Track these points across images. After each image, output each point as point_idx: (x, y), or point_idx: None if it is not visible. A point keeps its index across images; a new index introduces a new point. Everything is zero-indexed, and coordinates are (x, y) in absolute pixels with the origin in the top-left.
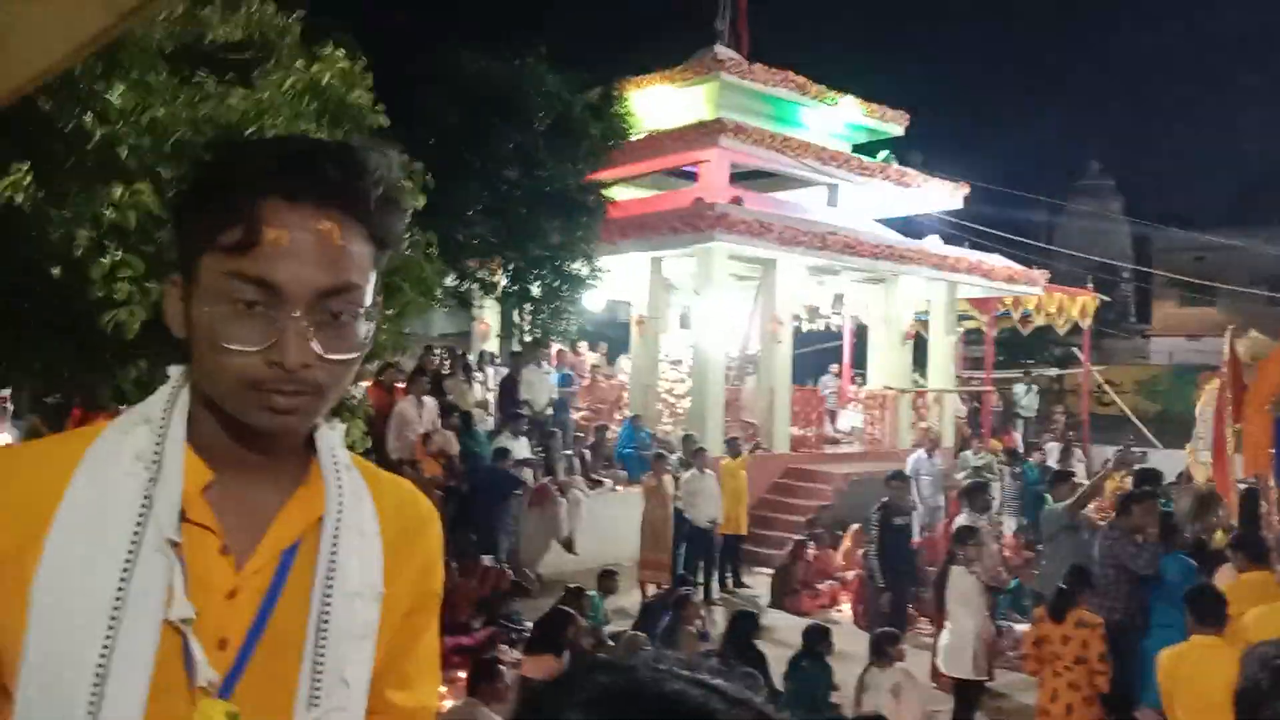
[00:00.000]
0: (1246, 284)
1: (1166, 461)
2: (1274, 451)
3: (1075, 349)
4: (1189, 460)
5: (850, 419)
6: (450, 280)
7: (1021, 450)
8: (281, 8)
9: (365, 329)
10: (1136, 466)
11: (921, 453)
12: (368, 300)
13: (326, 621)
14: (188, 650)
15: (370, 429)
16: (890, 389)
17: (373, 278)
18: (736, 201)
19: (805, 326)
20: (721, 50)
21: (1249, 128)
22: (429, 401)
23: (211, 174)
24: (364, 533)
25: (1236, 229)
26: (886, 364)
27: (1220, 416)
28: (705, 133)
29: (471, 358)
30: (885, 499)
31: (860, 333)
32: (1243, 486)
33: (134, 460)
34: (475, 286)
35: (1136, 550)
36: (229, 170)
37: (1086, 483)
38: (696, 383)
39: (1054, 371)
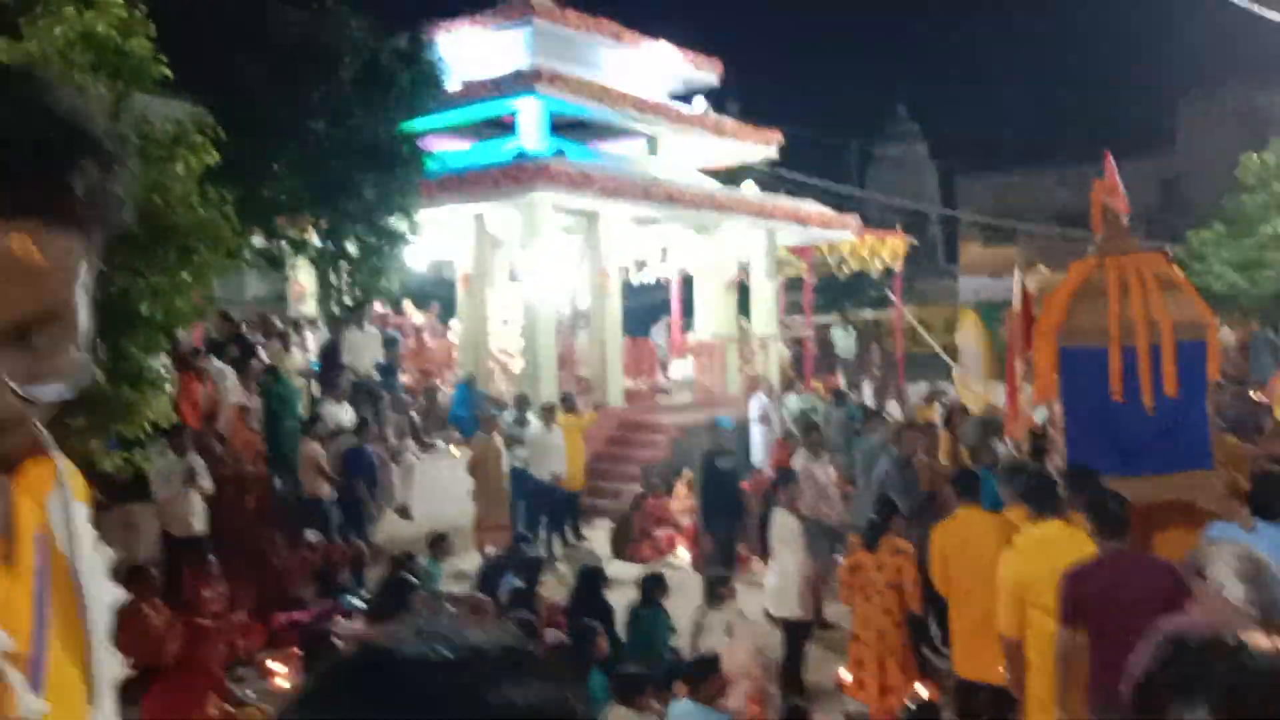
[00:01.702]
0: (1044, 221)
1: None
2: (1059, 380)
3: (889, 291)
4: (959, 390)
5: (681, 369)
6: (258, 240)
7: (845, 390)
8: None
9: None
10: (944, 399)
11: (762, 395)
12: (82, 319)
13: (85, 599)
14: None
15: (175, 405)
16: (718, 337)
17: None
18: (558, 153)
19: (635, 279)
20: None
21: (1045, 72)
22: (226, 371)
23: None
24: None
25: (1034, 169)
26: (713, 313)
27: (1011, 348)
28: (521, 81)
29: (283, 324)
30: (710, 446)
31: (688, 283)
32: (1039, 420)
33: None
34: (286, 246)
35: (899, 474)
36: None
37: (899, 419)
38: (528, 340)
39: (869, 314)
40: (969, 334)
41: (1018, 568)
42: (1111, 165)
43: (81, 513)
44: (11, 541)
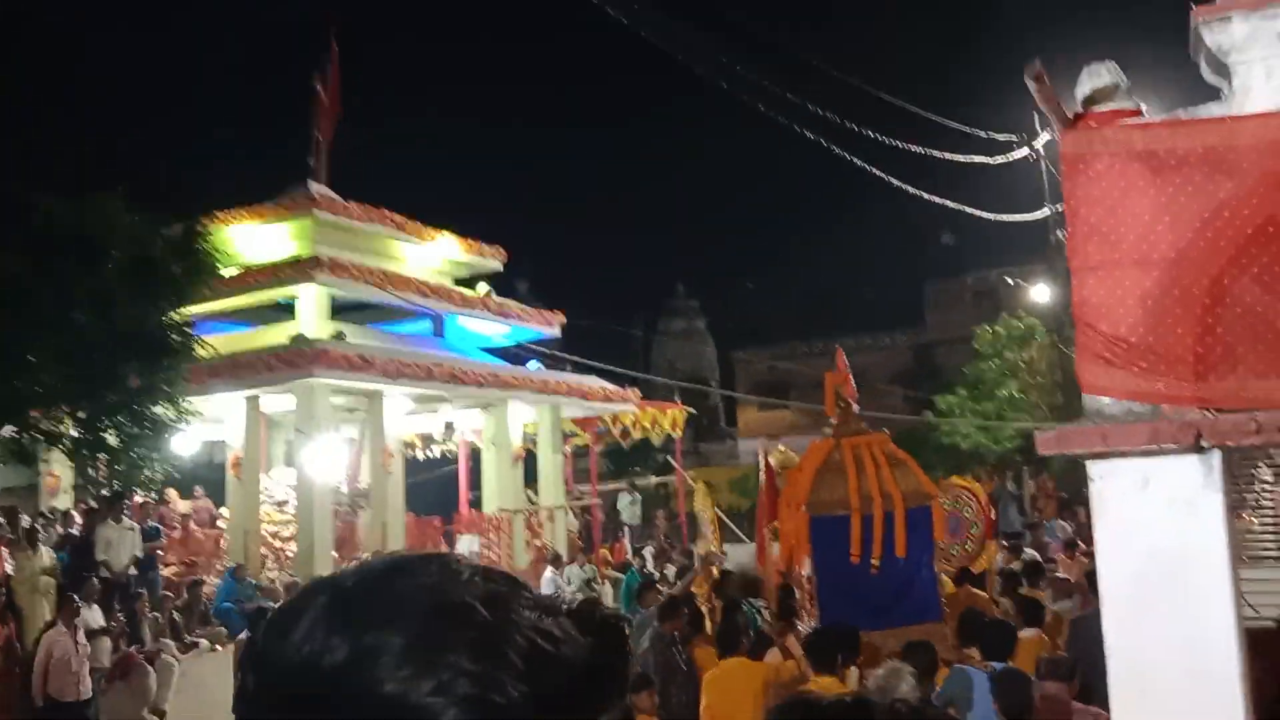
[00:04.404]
0: (812, 388)
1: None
2: (811, 546)
3: (671, 458)
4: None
5: (468, 543)
6: (7, 432)
7: (631, 557)
8: None
9: None
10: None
11: (549, 570)
12: None
13: None
14: None
15: None
16: (505, 510)
17: None
18: (338, 337)
19: (421, 454)
20: (315, 187)
21: (817, 257)
22: None
23: None
24: None
25: (804, 341)
26: (501, 486)
27: (760, 516)
28: (300, 269)
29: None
30: None
31: (476, 456)
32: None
33: None
34: (39, 439)
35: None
36: None
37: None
38: (303, 523)
39: (655, 480)
40: (701, 502)
41: None
42: (843, 359)
43: None
44: None
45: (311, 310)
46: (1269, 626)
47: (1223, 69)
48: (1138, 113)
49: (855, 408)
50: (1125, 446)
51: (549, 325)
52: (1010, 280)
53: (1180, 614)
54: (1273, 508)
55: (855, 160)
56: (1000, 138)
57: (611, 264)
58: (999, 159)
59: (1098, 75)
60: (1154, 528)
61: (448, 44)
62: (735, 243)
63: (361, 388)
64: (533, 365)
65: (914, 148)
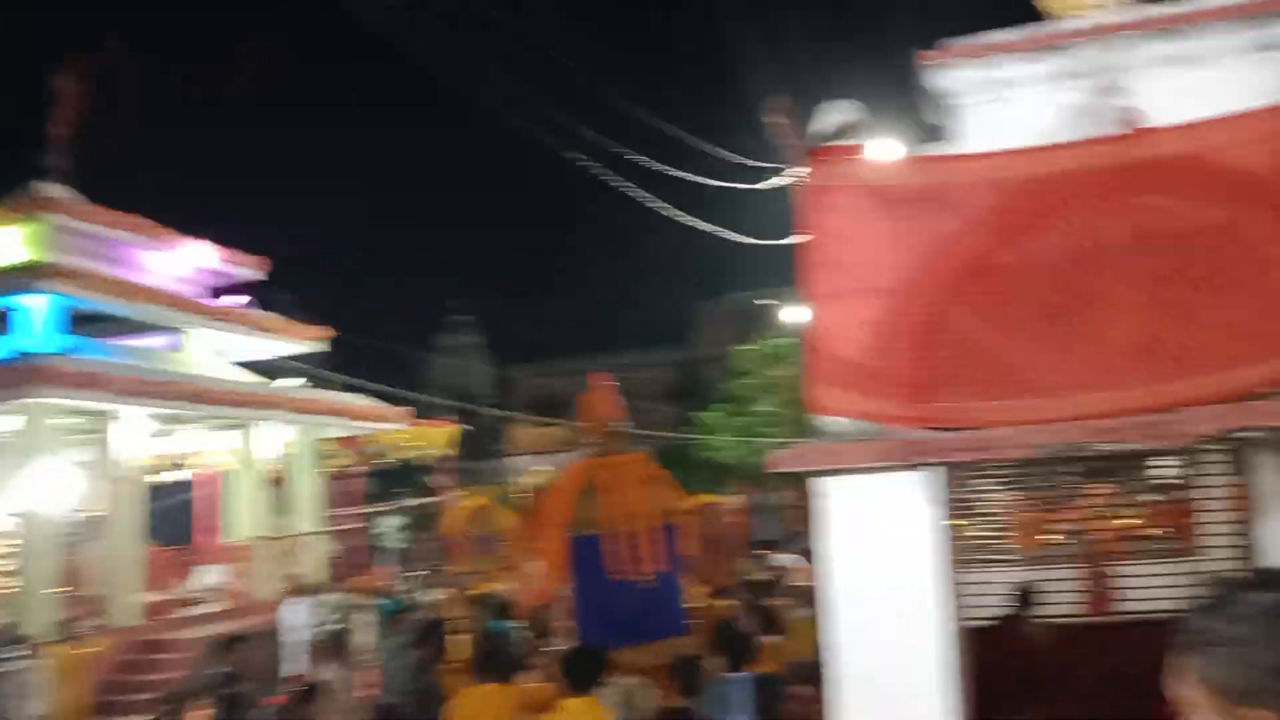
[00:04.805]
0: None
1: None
2: (573, 568)
3: (440, 477)
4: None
5: (212, 575)
6: None
7: (397, 583)
8: None
9: None
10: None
11: (298, 599)
12: None
13: None
14: None
15: None
16: (255, 538)
17: None
18: (71, 350)
19: (162, 479)
20: (52, 188)
21: (591, 278)
22: None
23: None
24: None
25: (577, 358)
26: (250, 512)
27: (522, 537)
28: (28, 275)
29: None
30: (228, 667)
31: (224, 480)
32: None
33: None
34: None
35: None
36: None
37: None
38: (22, 558)
39: (425, 500)
40: (461, 523)
41: None
42: (604, 379)
43: None
44: None
45: (39, 321)
46: (993, 624)
47: (945, 112)
48: (863, 149)
49: (620, 426)
50: (852, 464)
51: (314, 340)
52: (766, 301)
53: (899, 619)
54: (995, 516)
55: (623, 183)
56: (766, 165)
57: (389, 279)
58: (762, 185)
59: (836, 111)
60: (876, 539)
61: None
62: (515, 261)
63: (94, 406)
64: (292, 383)
65: (679, 173)
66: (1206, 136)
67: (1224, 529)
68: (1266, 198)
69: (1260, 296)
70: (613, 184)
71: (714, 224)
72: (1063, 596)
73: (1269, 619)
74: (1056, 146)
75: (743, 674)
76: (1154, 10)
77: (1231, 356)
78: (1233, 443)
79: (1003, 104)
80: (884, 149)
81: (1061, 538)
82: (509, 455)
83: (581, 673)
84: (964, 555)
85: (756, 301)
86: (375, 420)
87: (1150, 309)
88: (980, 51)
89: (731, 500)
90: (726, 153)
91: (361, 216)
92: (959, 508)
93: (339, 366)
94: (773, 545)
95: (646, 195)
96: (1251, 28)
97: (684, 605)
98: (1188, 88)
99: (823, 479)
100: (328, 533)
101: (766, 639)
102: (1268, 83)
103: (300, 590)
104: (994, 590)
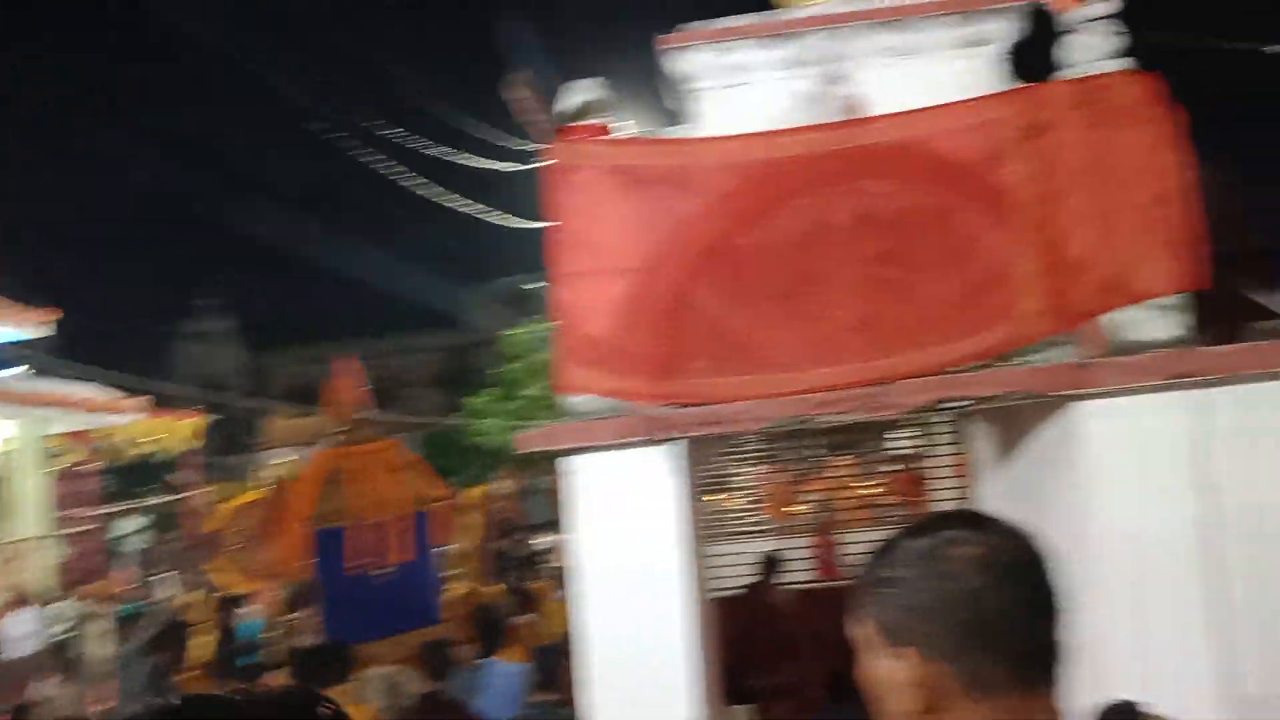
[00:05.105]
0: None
1: None
2: (316, 561)
3: (186, 472)
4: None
5: None
6: None
7: (138, 587)
8: None
9: None
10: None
11: (22, 610)
12: None
13: None
14: None
15: None
16: None
17: None
18: None
19: None
20: None
21: (348, 254)
22: None
23: None
24: None
25: (338, 342)
26: None
27: (262, 532)
28: None
29: None
30: None
31: None
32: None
33: None
34: None
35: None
36: None
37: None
38: None
39: (170, 498)
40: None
41: None
42: (353, 365)
43: None
44: None
45: None
46: (741, 593)
47: (684, 95)
48: (608, 129)
49: (366, 413)
50: (597, 441)
51: (39, 324)
52: (534, 285)
53: (647, 594)
54: (747, 489)
55: (385, 162)
56: (530, 147)
57: (130, 260)
58: (529, 166)
59: (581, 90)
60: (623, 516)
61: None
62: (268, 241)
63: None
64: (14, 371)
65: (437, 151)
66: (921, 125)
67: (950, 495)
68: (973, 184)
69: (967, 276)
70: (373, 164)
71: (486, 206)
72: (809, 564)
73: (923, 562)
74: (787, 131)
75: (494, 659)
76: (878, 2)
77: (941, 333)
78: (952, 414)
79: (738, 89)
80: (628, 129)
81: (808, 509)
82: (263, 448)
83: (321, 670)
84: (716, 528)
85: (524, 286)
86: (109, 412)
87: (868, 288)
88: (716, 36)
89: (500, 485)
90: (498, 132)
91: (100, 187)
92: (712, 483)
93: (69, 353)
94: (542, 528)
95: (405, 172)
96: (963, 24)
97: (438, 594)
98: (906, 78)
99: (570, 458)
100: (56, 536)
101: (524, 620)
102: (977, 76)
103: (24, 600)
104: (746, 560)
